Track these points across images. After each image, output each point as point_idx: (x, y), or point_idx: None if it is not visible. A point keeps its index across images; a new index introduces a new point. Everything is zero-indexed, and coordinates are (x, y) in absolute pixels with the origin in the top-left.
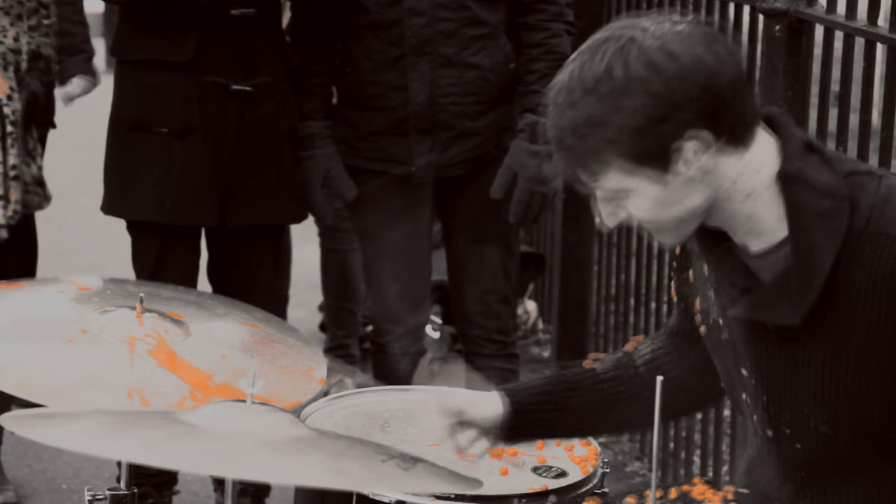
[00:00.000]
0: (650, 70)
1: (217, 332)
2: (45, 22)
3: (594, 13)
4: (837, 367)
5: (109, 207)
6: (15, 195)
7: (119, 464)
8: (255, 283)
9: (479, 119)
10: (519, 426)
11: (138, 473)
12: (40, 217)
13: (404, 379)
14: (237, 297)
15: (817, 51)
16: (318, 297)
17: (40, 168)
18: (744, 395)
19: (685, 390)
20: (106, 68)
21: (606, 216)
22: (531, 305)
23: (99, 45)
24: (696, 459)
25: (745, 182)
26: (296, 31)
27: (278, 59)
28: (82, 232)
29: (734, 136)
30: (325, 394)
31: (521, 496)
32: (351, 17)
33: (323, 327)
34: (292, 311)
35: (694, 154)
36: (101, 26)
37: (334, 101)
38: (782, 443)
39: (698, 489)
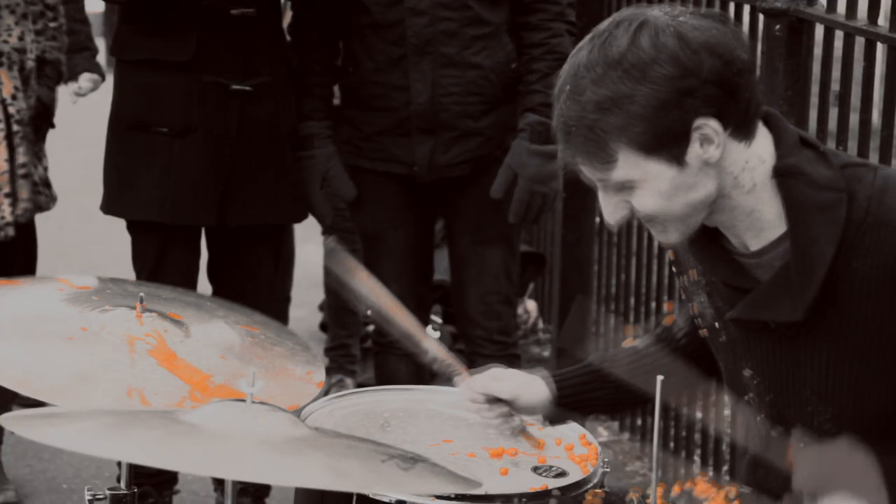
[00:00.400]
0: (677, 40)
1: (216, 334)
2: (52, 25)
3: (594, 12)
4: (841, 362)
5: (109, 207)
6: (24, 193)
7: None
8: (255, 282)
9: (482, 119)
10: (565, 408)
11: (138, 473)
12: (40, 217)
13: (406, 379)
14: (237, 296)
15: (817, 50)
16: (318, 297)
17: (46, 169)
18: (748, 396)
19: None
20: (106, 68)
21: (610, 212)
22: (531, 305)
23: (99, 45)
24: (697, 459)
25: (749, 174)
26: (296, 31)
27: (278, 58)
28: (82, 232)
29: (742, 124)
30: (325, 393)
31: (521, 496)
32: (353, 17)
33: (323, 327)
34: (293, 310)
35: (709, 138)
36: (102, 26)
37: (336, 101)
38: (787, 441)
39: (701, 486)
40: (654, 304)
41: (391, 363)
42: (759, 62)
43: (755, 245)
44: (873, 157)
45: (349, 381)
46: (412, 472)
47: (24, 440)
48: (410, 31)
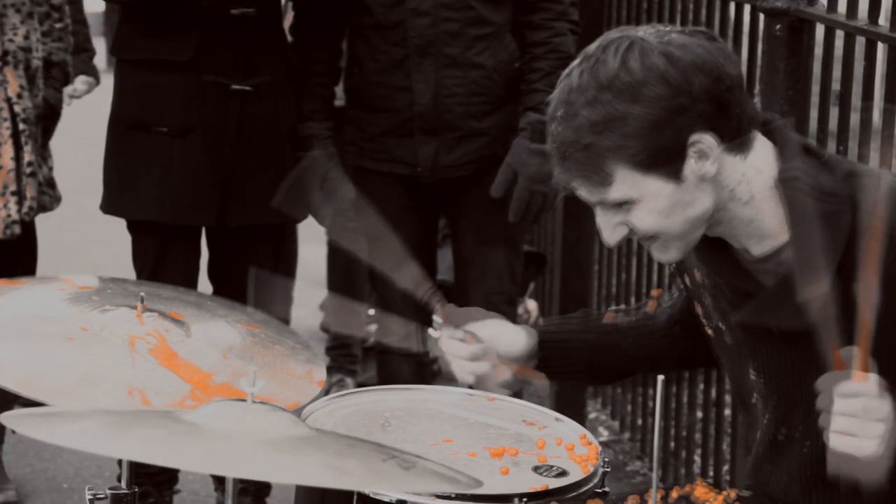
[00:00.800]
0: (666, 60)
1: (217, 333)
2: (58, 26)
3: (595, 11)
4: None
5: (109, 207)
6: (31, 192)
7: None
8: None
9: (485, 119)
10: (545, 349)
11: (139, 472)
12: (40, 216)
13: (407, 379)
14: (238, 296)
15: (818, 50)
16: (318, 296)
17: (51, 169)
18: (754, 398)
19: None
20: (106, 68)
21: (609, 233)
22: (532, 304)
23: (99, 45)
24: (697, 459)
25: (746, 186)
26: (298, 32)
27: (278, 58)
28: (82, 231)
29: (736, 138)
30: (326, 393)
31: (521, 495)
32: (356, 17)
33: (323, 326)
34: (293, 309)
35: (704, 153)
36: (102, 25)
37: (338, 102)
38: (792, 444)
39: (700, 490)
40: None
41: (393, 363)
42: (759, 62)
43: (758, 251)
44: (874, 158)
45: (349, 380)
46: (413, 472)
47: (24, 439)
48: (413, 31)
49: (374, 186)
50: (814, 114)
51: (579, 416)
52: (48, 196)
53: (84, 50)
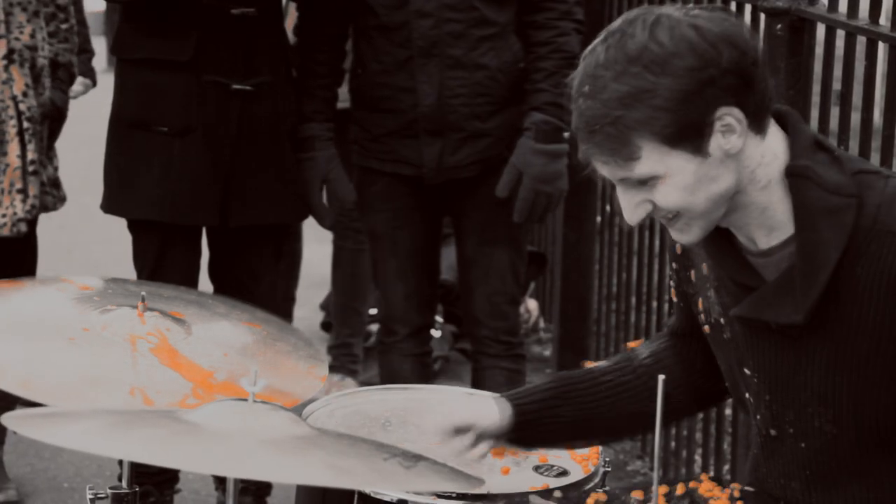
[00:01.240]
0: (696, 32)
1: (219, 332)
2: (64, 27)
3: (596, 10)
4: (841, 366)
5: (109, 206)
6: (33, 190)
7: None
8: (256, 282)
9: (490, 120)
10: (522, 429)
11: (140, 472)
12: (41, 215)
13: (409, 378)
14: (238, 296)
15: (819, 49)
16: (319, 296)
17: (56, 169)
18: (747, 395)
19: (687, 390)
20: (106, 67)
21: (631, 211)
22: (532, 304)
23: (99, 44)
24: (698, 458)
25: (764, 170)
26: (301, 33)
27: (278, 58)
28: (83, 231)
29: (758, 115)
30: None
31: (522, 495)
32: (360, 19)
33: (324, 326)
34: (294, 309)
35: (731, 127)
36: (102, 25)
37: (342, 104)
38: (786, 442)
39: (705, 486)
40: (655, 304)
41: (395, 363)
42: None
43: (765, 244)
44: (875, 157)
45: (350, 380)
46: (414, 471)
47: (24, 439)
48: (416, 33)
49: (378, 187)
50: (815, 113)
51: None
52: (52, 196)
53: (84, 51)
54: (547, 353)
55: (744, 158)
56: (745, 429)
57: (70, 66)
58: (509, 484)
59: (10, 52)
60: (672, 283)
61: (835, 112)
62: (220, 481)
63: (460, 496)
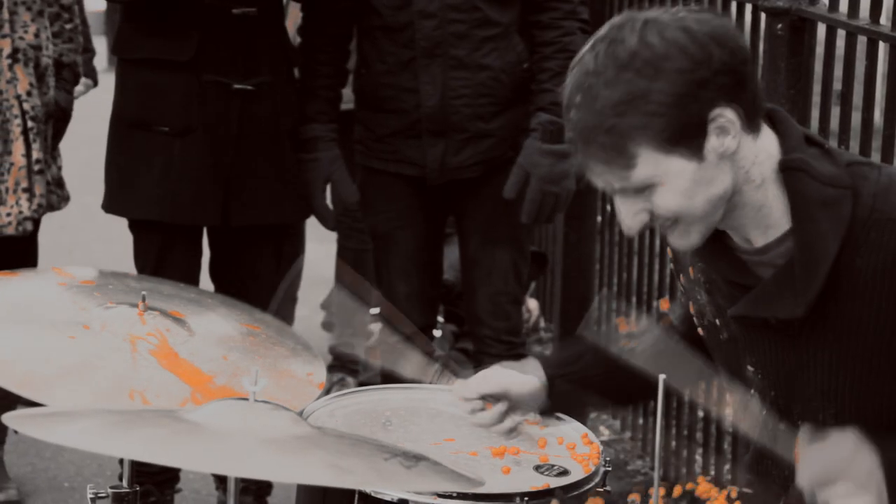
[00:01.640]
0: (685, 34)
1: (218, 333)
2: (68, 27)
3: (597, 10)
4: (844, 359)
5: (110, 206)
6: (39, 189)
7: (121, 462)
8: (257, 282)
9: (493, 120)
10: (559, 394)
11: (140, 471)
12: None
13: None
14: (240, 296)
15: (819, 49)
16: (320, 295)
17: (60, 169)
18: (752, 392)
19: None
20: (107, 67)
21: (630, 219)
22: (533, 304)
23: (100, 44)
24: (698, 458)
25: (759, 169)
26: (305, 33)
27: (279, 58)
28: (84, 230)
29: (751, 115)
30: (327, 392)
31: (523, 494)
32: (364, 19)
33: (324, 325)
34: (296, 309)
35: (725, 128)
36: (103, 24)
37: (346, 106)
38: (793, 436)
39: (703, 487)
40: (656, 303)
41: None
42: (760, 61)
43: (760, 241)
44: (875, 157)
45: (351, 379)
46: (415, 471)
47: (25, 438)
48: (420, 33)
49: (381, 187)
50: (815, 113)
51: (580, 416)
52: (56, 195)
53: (85, 50)
54: (548, 352)
55: (739, 159)
56: (748, 421)
57: (75, 67)
58: (510, 484)
59: (15, 51)
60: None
61: (835, 112)
62: (221, 481)
63: (461, 496)
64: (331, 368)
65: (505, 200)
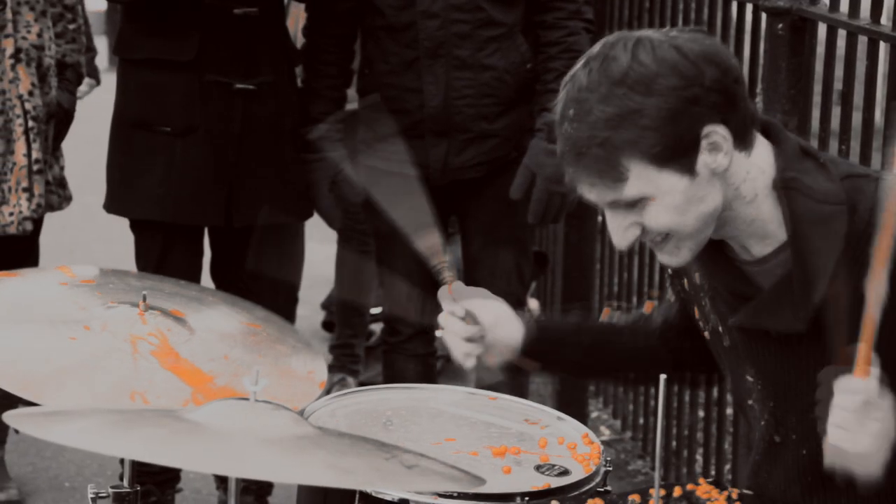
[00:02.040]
0: (676, 52)
1: (219, 331)
2: (71, 27)
3: (598, 9)
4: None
5: (112, 206)
6: (38, 189)
7: (122, 461)
8: (258, 282)
9: (496, 121)
10: (540, 343)
11: (141, 471)
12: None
13: (413, 379)
14: (240, 296)
15: (820, 49)
16: (320, 295)
17: (62, 169)
18: (750, 401)
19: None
20: (108, 66)
21: (620, 235)
22: (533, 304)
23: (101, 43)
24: (699, 458)
25: (751, 185)
26: (310, 34)
27: (280, 58)
28: (85, 230)
29: (742, 132)
30: (328, 392)
31: (524, 494)
32: (368, 19)
33: (325, 325)
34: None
35: (717, 145)
36: (104, 24)
37: (350, 106)
38: (789, 447)
39: (703, 488)
40: (656, 303)
41: (399, 363)
42: (761, 61)
43: (758, 252)
44: (876, 157)
45: (351, 380)
46: (415, 470)
47: (26, 438)
48: (423, 33)
49: (384, 187)
50: (816, 113)
51: (581, 416)
52: (57, 195)
53: (87, 49)
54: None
55: (729, 176)
56: (745, 429)
57: (78, 67)
58: (510, 483)
59: (18, 51)
60: (669, 285)
61: (836, 112)
62: (222, 481)
63: (461, 496)
64: (331, 368)
65: (508, 201)
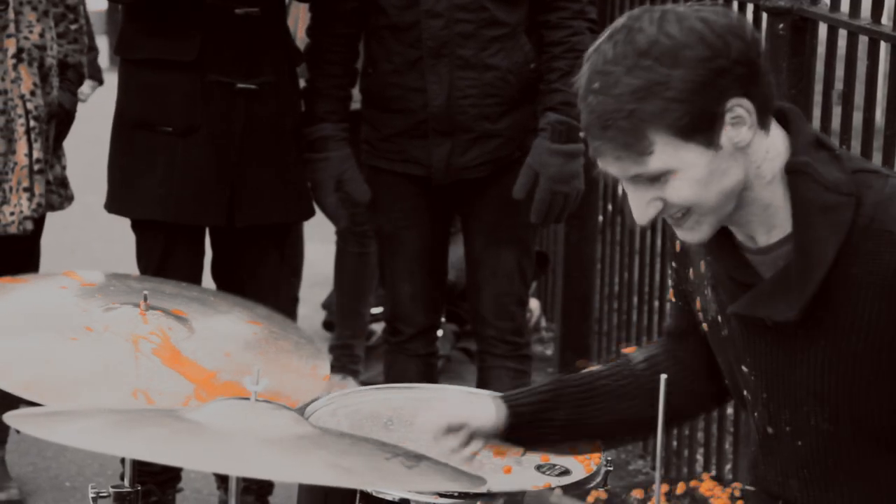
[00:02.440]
0: (703, 25)
1: (221, 330)
2: (73, 27)
3: (600, 9)
4: (836, 365)
5: (113, 206)
6: (39, 189)
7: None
8: (259, 282)
9: (500, 121)
10: (517, 430)
11: (142, 471)
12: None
13: (415, 379)
14: (242, 296)
15: (821, 49)
16: (321, 295)
17: (64, 168)
18: (745, 392)
19: (686, 393)
20: (109, 66)
21: (641, 209)
22: (534, 304)
23: (102, 43)
24: (700, 457)
25: (770, 164)
26: (314, 34)
27: (282, 57)
28: (86, 230)
29: (764, 108)
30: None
31: (524, 494)
32: (372, 18)
33: (325, 325)
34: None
35: (741, 119)
36: (105, 24)
37: (354, 106)
38: (784, 440)
39: (706, 485)
40: (657, 303)
41: (400, 363)
42: None
43: (763, 241)
44: (876, 157)
45: (352, 379)
46: (416, 470)
47: (26, 438)
48: (426, 33)
49: (387, 186)
50: (816, 113)
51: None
52: (58, 195)
53: (89, 49)
54: (549, 352)
55: (751, 153)
56: (746, 428)
57: (79, 67)
58: (511, 483)
59: (20, 51)
60: (672, 282)
61: (837, 112)
62: (223, 480)
63: (462, 495)
64: (331, 369)
65: (511, 201)
